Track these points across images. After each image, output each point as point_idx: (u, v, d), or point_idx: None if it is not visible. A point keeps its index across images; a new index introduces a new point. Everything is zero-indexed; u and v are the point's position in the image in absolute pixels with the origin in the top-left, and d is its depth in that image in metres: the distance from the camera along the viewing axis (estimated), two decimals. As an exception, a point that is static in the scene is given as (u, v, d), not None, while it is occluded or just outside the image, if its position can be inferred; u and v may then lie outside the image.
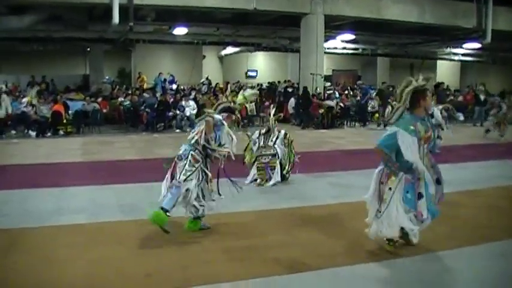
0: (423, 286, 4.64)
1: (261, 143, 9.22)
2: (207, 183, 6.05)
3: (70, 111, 17.48)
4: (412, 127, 5.01)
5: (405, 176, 5.11)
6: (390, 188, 5.17)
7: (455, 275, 4.87)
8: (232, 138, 6.17)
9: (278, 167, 9.07)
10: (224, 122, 6.10)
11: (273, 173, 9.03)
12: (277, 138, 9.26)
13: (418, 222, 5.17)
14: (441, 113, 11.41)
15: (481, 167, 10.82)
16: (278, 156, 9.12)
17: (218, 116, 6.09)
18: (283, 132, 9.41)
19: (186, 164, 5.91)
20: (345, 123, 21.04)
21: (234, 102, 6.73)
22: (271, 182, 8.94)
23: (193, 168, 5.90)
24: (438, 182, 5.27)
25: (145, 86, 24.69)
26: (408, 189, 5.11)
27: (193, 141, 5.98)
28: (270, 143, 9.20)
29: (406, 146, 5.00)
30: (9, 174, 9.94)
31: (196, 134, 6.01)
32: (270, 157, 9.10)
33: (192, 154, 5.95)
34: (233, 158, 6.22)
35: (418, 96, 5.11)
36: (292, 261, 5.11)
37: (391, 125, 5.24)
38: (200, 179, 5.95)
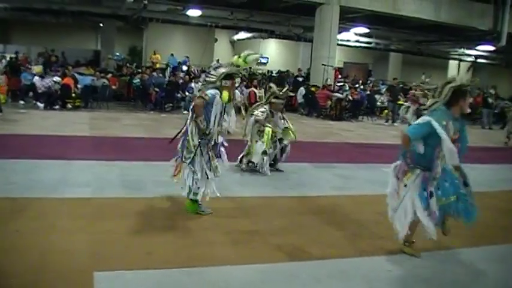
0: (422, 283, 4.65)
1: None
2: (210, 162, 5.92)
3: (79, 86, 17.48)
4: (444, 122, 4.83)
5: (423, 173, 4.99)
6: (406, 185, 5.08)
7: (455, 274, 4.87)
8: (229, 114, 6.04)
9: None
10: (218, 96, 5.77)
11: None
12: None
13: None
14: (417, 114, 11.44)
15: (490, 170, 10.80)
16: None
17: (211, 93, 5.76)
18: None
19: (183, 151, 5.85)
20: (358, 116, 20.98)
21: (238, 66, 6.05)
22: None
23: (191, 154, 5.80)
24: (466, 184, 5.10)
25: (158, 66, 24.67)
26: (425, 186, 4.98)
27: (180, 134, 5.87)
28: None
29: (441, 131, 4.79)
30: (16, 143, 9.97)
31: (183, 131, 5.86)
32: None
33: (187, 140, 5.79)
34: (231, 132, 6.16)
35: (458, 95, 4.93)
36: (294, 249, 5.13)
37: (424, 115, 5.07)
38: (202, 158, 5.85)
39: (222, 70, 5.93)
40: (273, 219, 6.14)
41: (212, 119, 5.78)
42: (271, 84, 9.79)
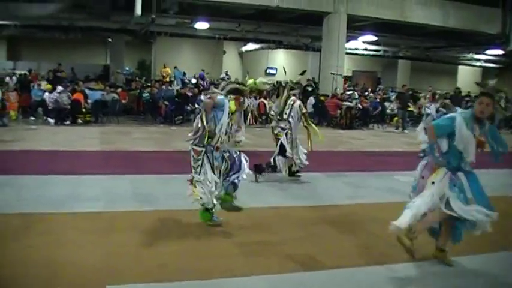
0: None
1: (278, 116, 8.94)
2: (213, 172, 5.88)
3: (89, 101, 17.59)
4: (472, 122, 4.76)
5: (450, 173, 4.84)
6: (433, 183, 4.89)
7: (466, 281, 4.82)
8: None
9: (284, 140, 8.79)
10: (227, 103, 5.81)
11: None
12: (291, 109, 8.83)
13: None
14: (437, 111, 11.42)
15: (503, 175, 10.66)
16: (291, 129, 8.81)
17: (221, 97, 5.82)
18: (298, 103, 8.91)
19: (191, 161, 5.85)
20: (368, 124, 20.91)
21: (244, 85, 6.25)
22: (272, 157, 8.83)
23: (199, 162, 5.79)
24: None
25: (167, 79, 24.81)
26: (454, 183, 4.81)
27: (190, 139, 5.86)
28: (284, 116, 8.85)
29: (460, 133, 4.72)
30: (27, 159, 10.03)
31: (193, 131, 5.87)
32: (279, 129, 8.86)
33: (193, 149, 5.82)
34: (241, 142, 6.22)
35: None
36: (306, 259, 5.10)
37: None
38: (210, 165, 5.82)
39: (230, 86, 6.10)
40: (285, 229, 6.12)
41: (221, 121, 5.76)
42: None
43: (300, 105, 8.92)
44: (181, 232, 5.75)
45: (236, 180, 5.94)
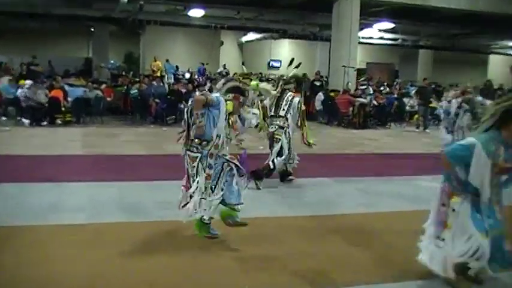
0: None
1: (272, 112, 9.00)
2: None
3: (69, 98, 17.58)
4: (494, 147, 4.60)
5: (472, 197, 4.74)
6: (454, 210, 4.83)
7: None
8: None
9: (284, 140, 8.86)
10: (222, 101, 5.81)
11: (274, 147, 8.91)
12: (289, 106, 8.94)
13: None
14: (459, 107, 11.45)
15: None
16: (288, 126, 8.91)
17: (215, 95, 5.88)
18: (297, 99, 9.06)
19: (188, 169, 5.90)
20: (385, 123, 20.94)
21: (246, 84, 6.38)
22: (270, 159, 8.87)
23: (195, 170, 5.83)
24: None
25: (158, 74, 24.84)
26: (477, 208, 4.72)
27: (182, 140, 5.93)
28: (282, 112, 8.92)
29: (476, 167, 4.60)
30: None
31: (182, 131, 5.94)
32: (276, 127, 8.92)
33: (188, 154, 5.87)
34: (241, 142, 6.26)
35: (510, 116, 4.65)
36: (315, 275, 5.14)
37: (470, 135, 4.93)
38: (204, 172, 5.84)
39: (230, 84, 6.14)
40: (291, 242, 6.16)
41: (218, 125, 5.77)
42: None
43: (299, 102, 9.03)
44: (173, 246, 5.80)
45: (235, 189, 5.96)
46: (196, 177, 5.82)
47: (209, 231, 6.05)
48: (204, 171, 5.81)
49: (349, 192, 8.99)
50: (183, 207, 5.93)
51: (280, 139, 8.86)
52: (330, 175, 10.09)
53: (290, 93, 9.03)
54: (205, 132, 5.75)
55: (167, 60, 27.07)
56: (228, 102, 5.91)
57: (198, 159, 5.80)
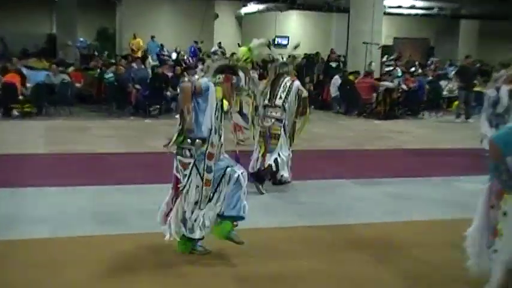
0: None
1: (266, 101, 8.85)
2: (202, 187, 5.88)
3: (29, 84, 17.50)
4: None
5: None
6: (505, 213, 4.72)
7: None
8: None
9: (283, 136, 8.83)
10: (211, 87, 5.78)
11: (274, 146, 8.80)
12: (288, 93, 8.80)
13: None
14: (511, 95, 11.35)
15: None
16: (285, 118, 8.84)
17: (203, 80, 5.85)
18: (297, 83, 8.97)
19: (180, 176, 5.89)
20: (416, 112, 20.89)
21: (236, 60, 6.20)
22: (272, 158, 8.77)
23: (186, 179, 5.83)
24: None
25: (138, 54, 24.80)
26: None
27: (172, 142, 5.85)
28: (279, 101, 8.76)
29: None
30: None
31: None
32: (272, 120, 8.77)
33: (179, 160, 5.85)
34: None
35: None
36: (332, 298, 5.16)
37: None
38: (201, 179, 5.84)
39: (217, 64, 6.10)
40: (301, 257, 6.17)
41: (208, 114, 5.75)
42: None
43: (299, 86, 8.94)
44: (159, 263, 5.81)
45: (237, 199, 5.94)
46: (188, 186, 5.82)
47: (195, 248, 6.06)
48: (202, 177, 5.80)
49: (372, 196, 9.01)
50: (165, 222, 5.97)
51: (279, 135, 8.79)
52: (348, 176, 10.10)
53: (288, 77, 8.88)
54: (195, 128, 5.73)
55: (152, 38, 27.02)
56: (216, 87, 5.86)
57: (191, 165, 5.79)
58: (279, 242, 6.63)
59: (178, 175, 5.88)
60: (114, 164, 10.94)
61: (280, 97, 8.72)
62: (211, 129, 5.78)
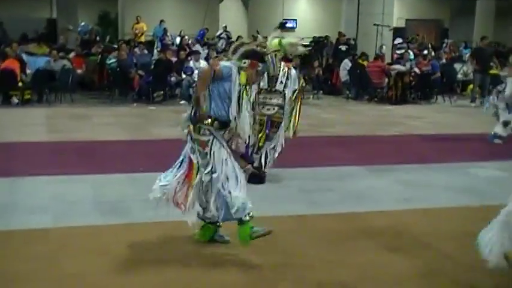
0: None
1: (265, 86, 8.57)
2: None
3: (29, 71, 17.52)
4: None
5: None
6: None
7: None
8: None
9: (282, 127, 8.65)
10: (234, 72, 5.65)
11: (273, 134, 8.60)
12: (287, 78, 8.57)
13: None
14: None
15: None
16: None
17: (225, 64, 5.69)
18: (294, 70, 8.78)
19: (196, 158, 5.73)
20: (430, 97, 20.81)
21: (264, 47, 6.05)
22: (271, 146, 8.62)
23: (208, 157, 5.67)
24: None
25: (142, 39, 24.73)
26: None
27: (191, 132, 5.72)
28: (280, 86, 8.55)
29: None
30: None
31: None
32: (275, 108, 8.57)
33: (197, 139, 5.67)
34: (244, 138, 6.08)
35: None
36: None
37: None
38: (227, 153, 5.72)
39: (244, 48, 5.91)
40: (310, 247, 6.16)
41: (233, 99, 5.66)
42: None
43: (296, 75, 8.81)
44: (164, 254, 5.79)
45: None
46: (212, 164, 5.65)
47: (216, 236, 6.05)
48: (227, 152, 5.69)
49: (386, 184, 8.98)
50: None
51: (280, 124, 8.61)
52: (360, 163, 10.07)
53: (282, 62, 8.57)
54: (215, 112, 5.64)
55: (162, 21, 26.89)
56: (241, 73, 5.73)
57: (211, 141, 5.65)
58: (288, 231, 6.60)
59: (193, 156, 5.72)
60: (116, 152, 10.91)
61: (281, 81, 8.53)
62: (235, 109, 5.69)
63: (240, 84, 5.74)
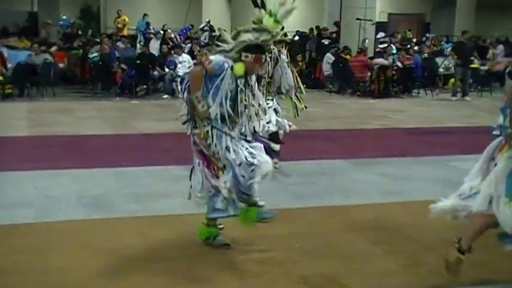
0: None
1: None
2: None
3: (9, 65, 17.47)
4: None
5: None
6: (496, 164, 4.84)
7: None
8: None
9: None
10: (227, 65, 5.47)
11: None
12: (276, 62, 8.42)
13: None
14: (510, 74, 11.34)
15: None
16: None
17: (218, 59, 5.52)
18: (284, 54, 8.61)
19: (204, 149, 5.62)
20: (411, 90, 20.91)
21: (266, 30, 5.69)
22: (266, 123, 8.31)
23: (214, 146, 5.55)
24: None
25: (125, 32, 24.64)
26: None
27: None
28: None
29: None
30: None
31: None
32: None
33: (196, 134, 5.58)
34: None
35: None
36: (326, 281, 5.16)
37: None
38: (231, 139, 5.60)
39: (245, 38, 5.65)
40: (295, 240, 6.16)
41: (219, 97, 5.48)
42: None
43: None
44: (149, 250, 5.78)
45: None
46: (222, 147, 5.53)
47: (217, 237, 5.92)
48: (226, 134, 5.56)
49: (369, 177, 9.01)
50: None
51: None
52: (344, 156, 10.11)
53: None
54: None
55: (145, 15, 26.76)
56: (237, 65, 5.54)
57: (210, 131, 5.50)
58: (273, 224, 6.60)
59: (204, 149, 5.60)
60: (99, 146, 10.88)
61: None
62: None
63: (236, 78, 5.55)
